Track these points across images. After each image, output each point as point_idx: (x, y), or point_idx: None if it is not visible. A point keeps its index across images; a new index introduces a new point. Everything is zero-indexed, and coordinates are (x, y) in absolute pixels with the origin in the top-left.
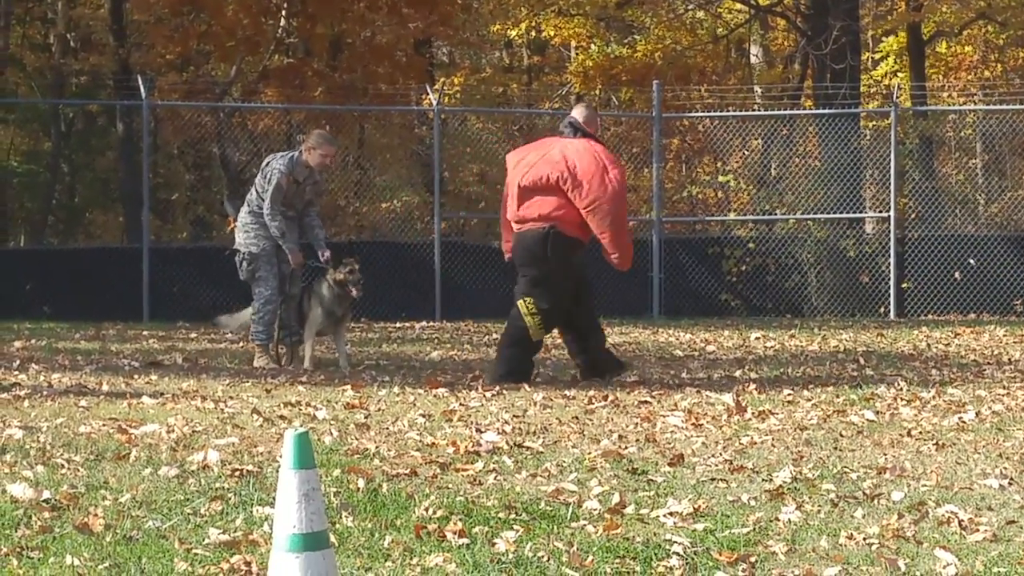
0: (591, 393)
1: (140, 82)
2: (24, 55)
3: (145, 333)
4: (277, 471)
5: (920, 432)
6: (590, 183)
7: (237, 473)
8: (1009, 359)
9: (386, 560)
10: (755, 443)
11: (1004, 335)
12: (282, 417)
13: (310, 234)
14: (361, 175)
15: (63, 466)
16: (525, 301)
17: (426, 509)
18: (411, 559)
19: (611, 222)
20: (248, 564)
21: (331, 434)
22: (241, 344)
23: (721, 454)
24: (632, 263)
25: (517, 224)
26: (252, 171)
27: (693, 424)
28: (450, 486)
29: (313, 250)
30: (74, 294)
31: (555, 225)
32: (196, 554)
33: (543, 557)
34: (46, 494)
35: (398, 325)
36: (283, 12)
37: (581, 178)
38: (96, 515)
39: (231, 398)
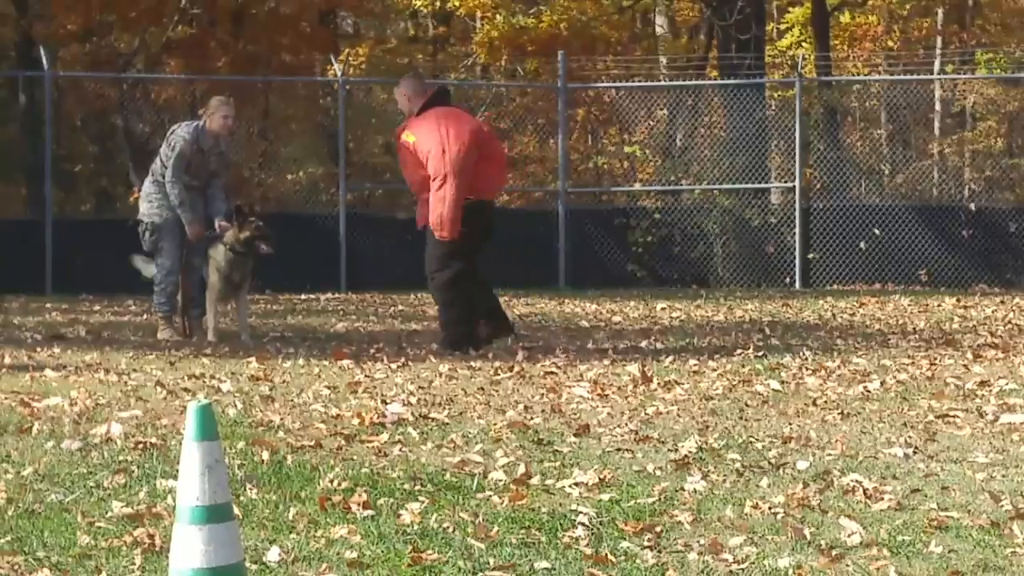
0: (497, 364)
1: (42, 53)
2: None
3: (48, 306)
4: (181, 444)
5: (825, 401)
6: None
7: (140, 446)
8: (914, 328)
9: (291, 532)
10: (661, 413)
11: (909, 305)
12: (186, 390)
13: (211, 206)
14: (266, 146)
15: None
16: None
17: (331, 481)
18: (316, 531)
19: None
20: (151, 537)
21: (235, 406)
22: (145, 317)
23: (627, 424)
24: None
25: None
26: (156, 142)
27: (599, 395)
28: (355, 458)
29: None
30: None
31: None
32: (99, 527)
33: (449, 528)
34: None
35: (303, 297)
36: None
37: None
38: None
39: (134, 371)
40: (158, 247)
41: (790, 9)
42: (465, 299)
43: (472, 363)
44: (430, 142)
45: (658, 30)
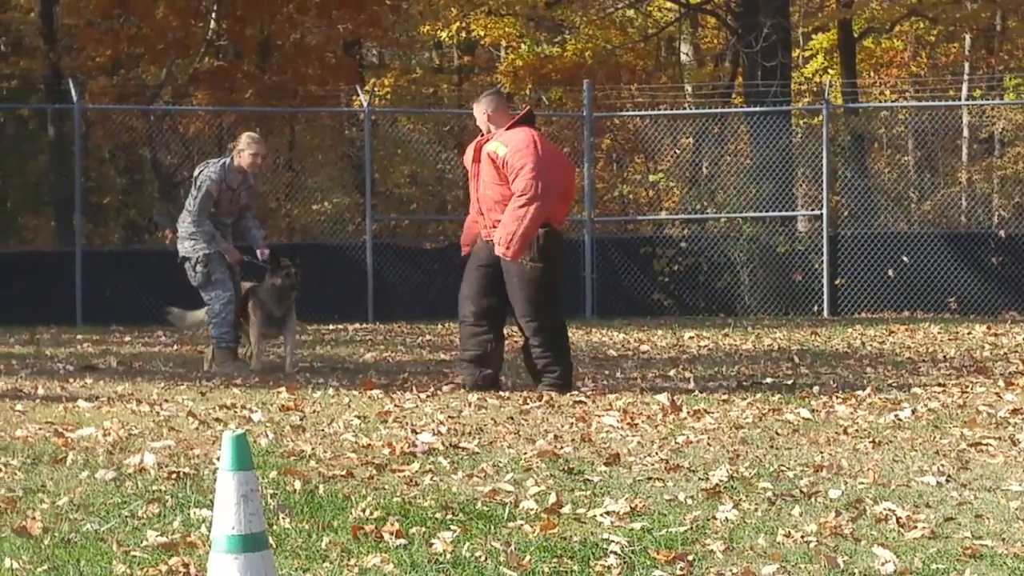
0: (526, 394)
1: (72, 86)
2: None
3: (79, 337)
4: (214, 473)
5: (856, 430)
6: None
7: (174, 475)
8: (944, 356)
9: (324, 561)
10: (691, 442)
11: (938, 332)
12: (217, 419)
13: (247, 236)
14: (292, 177)
15: (0, 470)
16: None
17: (363, 510)
18: (349, 560)
19: None
20: (186, 566)
21: (267, 436)
22: (176, 347)
23: (657, 453)
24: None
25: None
26: (183, 174)
27: (628, 424)
28: (387, 487)
29: (252, 251)
30: (6, 299)
31: None
32: (134, 556)
33: (481, 557)
34: None
35: (331, 327)
36: (212, 15)
37: None
38: (34, 518)
39: (166, 401)
40: (211, 279)
41: (815, 36)
42: (566, 334)
43: (501, 392)
44: (524, 158)
45: (683, 58)
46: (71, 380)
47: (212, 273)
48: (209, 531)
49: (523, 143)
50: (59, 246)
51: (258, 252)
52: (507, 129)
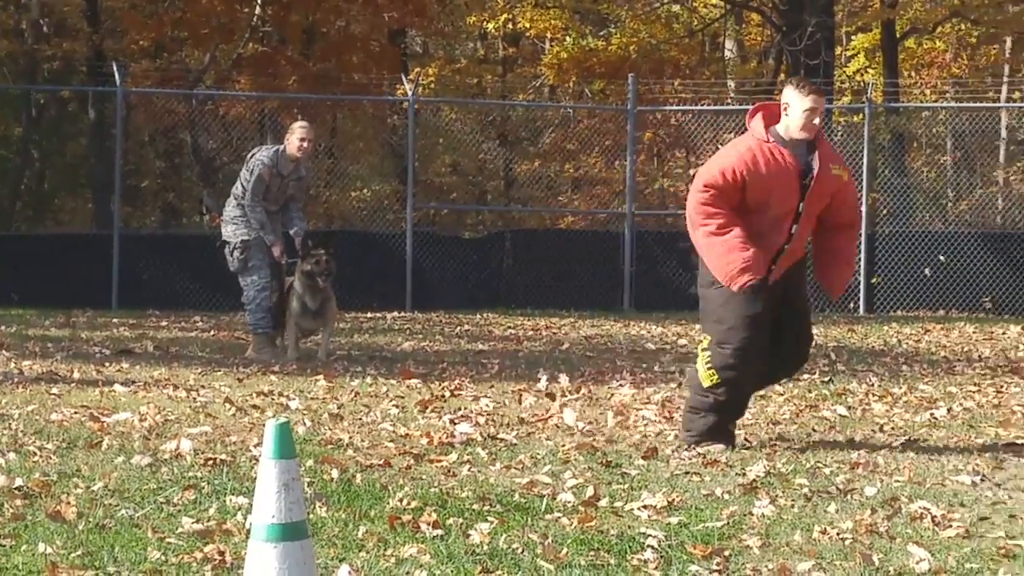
0: (564, 386)
1: (115, 69)
2: None
3: (115, 320)
4: (250, 460)
5: (892, 428)
6: None
7: (210, 462)
8: (979, 356)
9: (360, 551)
10: None
11: (973, 332)
12: (254, 407)
13: (289, 225)
14: (333, 164)
15: (35, 454)
16: None
17: (400, 500)
18: (385, 550)
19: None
20: (222, 554)
21: (304, 424)
22: (213, 333)
23: (694, 448)
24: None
25: None
26: (223, 159)
27: (666, 417)
28: (424, 477)
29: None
30: (43, 281)
31: None
32: (169, 543)
33: (517, 549)
34: (18, 482)
35: (369, 315)
36: (258, 0)
37: None
38: (68, 503)
39: (203, 387)
40: (247, 266)
41: (856, 35)
42: None
43: (538, 385)
44: (852, 186)
45: (727, 54)
46: (107, 364)
47: (250, 259)
48: (245, 519)
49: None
50: (96, 228)
51: (292, 234)
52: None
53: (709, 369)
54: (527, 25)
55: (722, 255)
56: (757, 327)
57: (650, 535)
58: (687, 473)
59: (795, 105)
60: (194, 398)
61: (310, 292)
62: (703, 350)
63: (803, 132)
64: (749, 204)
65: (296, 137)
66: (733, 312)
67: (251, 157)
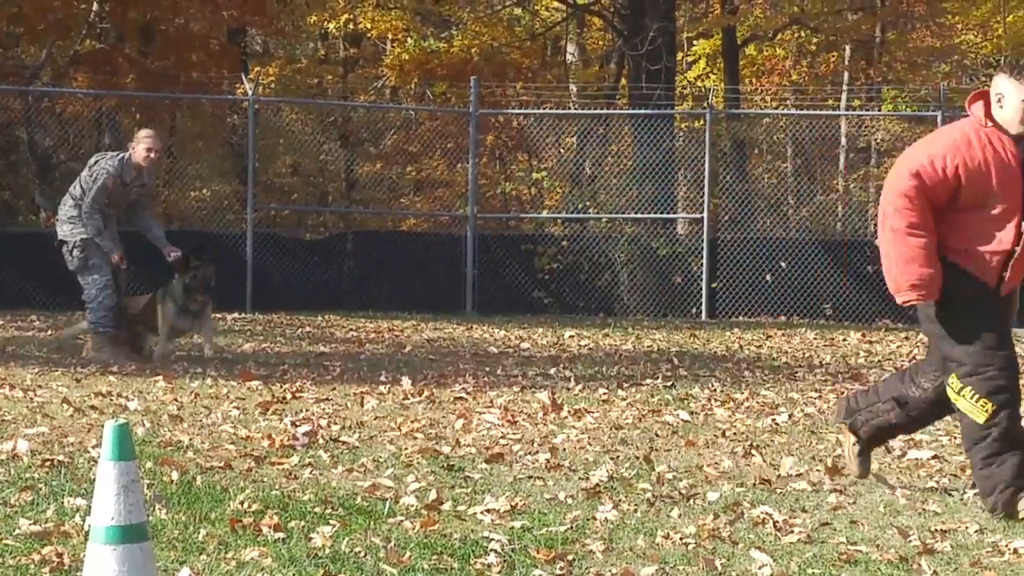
0: (406, 388)
1: None
2: None
3: None
4: (89, 462)
5: (734, 433)
6: None
7: (48, 463)
8: (820, 362)
9: (201, 554)
10: (571, 441)
11: (814, 338)
12: (93, 407)
13: (150, 235)
14: (172, 163)
15: None
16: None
17: (241, 503)
18: (226, 553)
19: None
20: (60, 556)
21: (143, 425)
22: (50, 332)
23: (538, 452)
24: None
25: None
26: (60, 156)
27: (509, 421)
28: (265, 480)
29: (158, 250)
30: None
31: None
32: (7, 545)
33: (360, 553)
34: None
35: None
36: None
37: None
38: None
39: (40, 387)
40: (88, 264)
41: (698, 41)
42: None
43: (381, 388)
44: None
45: (569, 58)
46: None
47: (89, 258)
48: (84, 521)
49: None
50: None
51: (166, 252)
52: None
53: (978, 401)
54: (368, 26)
55: (899, 262)
56: (1008, 341)
57: (493, 539)
58: (530, 477)
59: (1011, 96)
60: (31, 398)
61: (188, 299)
62: (959, 391)
63: (1022, 126)
64: (964, 201)
65: (143, 147)
66: (981, 331)
67: (95, 163)
